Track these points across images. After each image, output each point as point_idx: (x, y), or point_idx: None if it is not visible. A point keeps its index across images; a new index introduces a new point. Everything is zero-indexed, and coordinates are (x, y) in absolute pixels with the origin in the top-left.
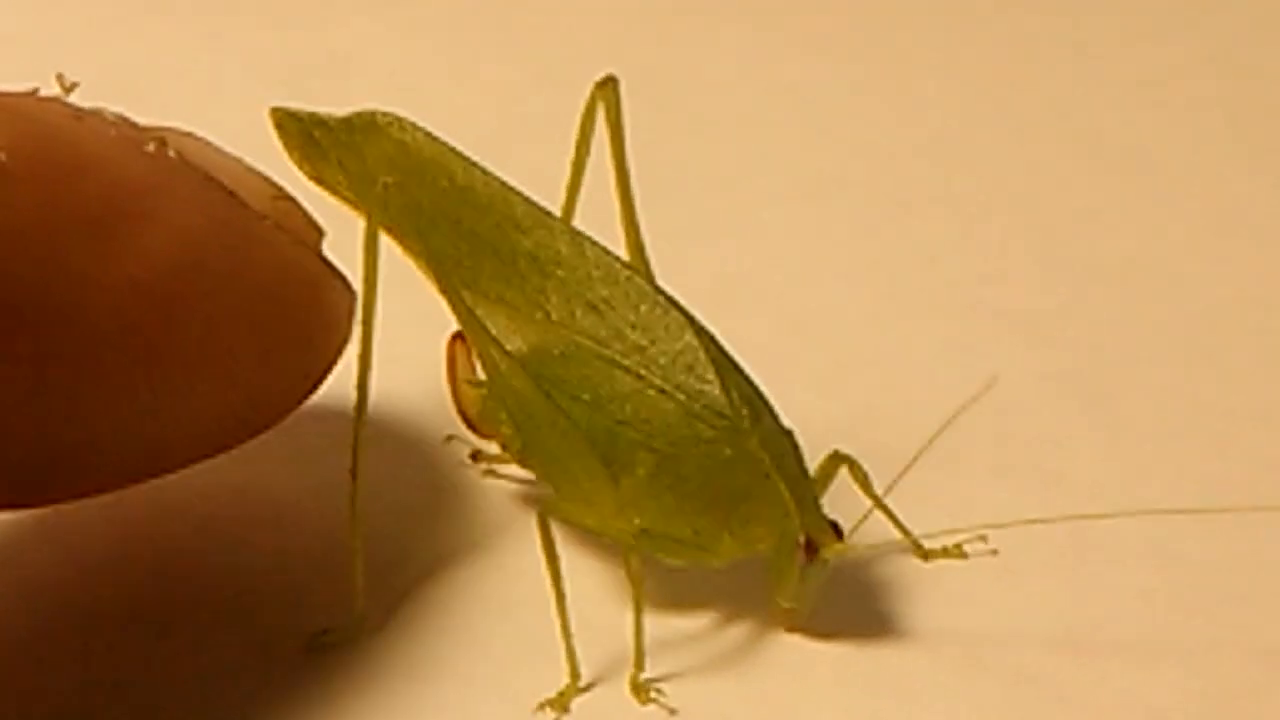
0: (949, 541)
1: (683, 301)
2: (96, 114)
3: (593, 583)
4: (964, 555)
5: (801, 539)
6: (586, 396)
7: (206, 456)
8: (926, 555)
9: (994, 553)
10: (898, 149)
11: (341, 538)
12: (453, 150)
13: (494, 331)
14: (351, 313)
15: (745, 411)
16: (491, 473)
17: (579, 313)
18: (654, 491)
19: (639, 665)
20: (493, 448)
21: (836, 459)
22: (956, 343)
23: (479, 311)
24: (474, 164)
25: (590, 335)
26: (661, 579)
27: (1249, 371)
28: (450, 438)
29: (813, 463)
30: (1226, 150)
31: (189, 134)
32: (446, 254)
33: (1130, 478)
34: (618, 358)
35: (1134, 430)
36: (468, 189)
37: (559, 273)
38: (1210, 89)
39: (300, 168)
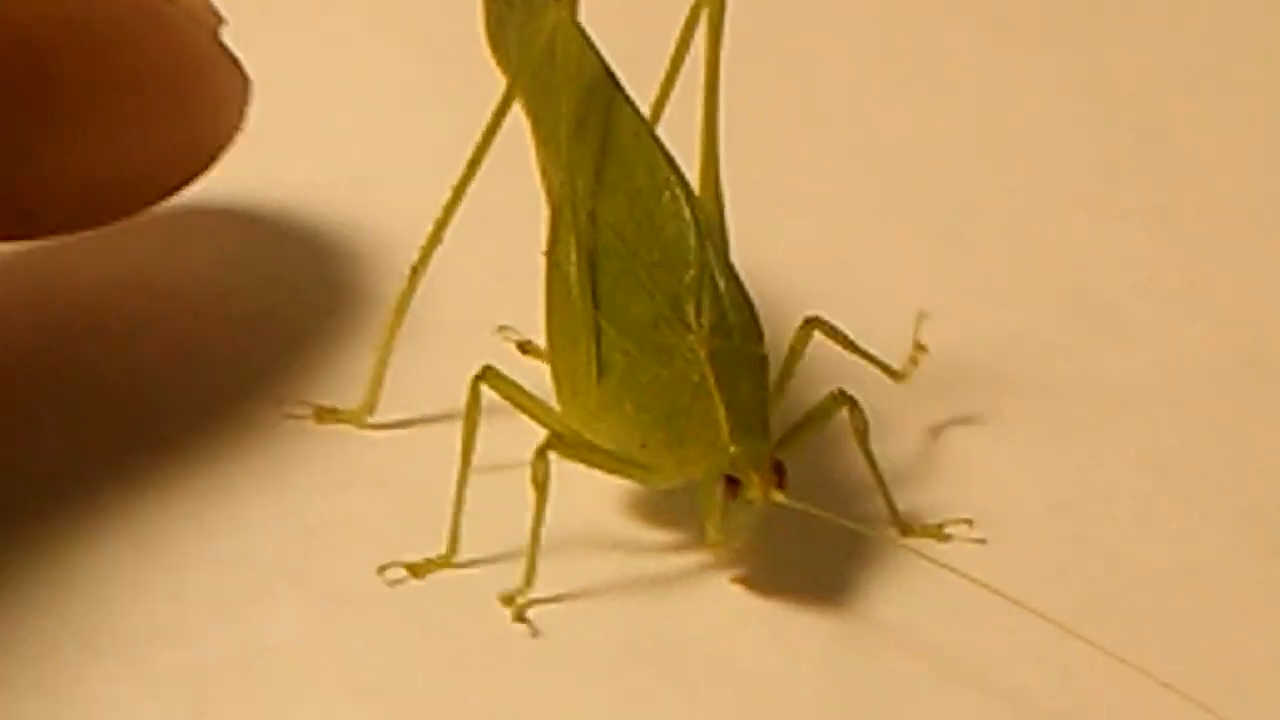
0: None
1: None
2: None
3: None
4: (946, 537)
5: (729, 471)
6: (603, 285)
7: (81, 227)
8: (904, 530)
9: (981, 541)
10: None
11: None
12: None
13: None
14: (244, 101)
15: (707, 321)
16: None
17: (619, 199)
18: (619, 397)
19: (528, 580)
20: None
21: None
22: None
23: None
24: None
25: (615, 223)
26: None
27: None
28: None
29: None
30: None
31: None
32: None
33: None
34: (628, 251)
35: None
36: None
37: (619, 157)
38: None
39: (489, 44)
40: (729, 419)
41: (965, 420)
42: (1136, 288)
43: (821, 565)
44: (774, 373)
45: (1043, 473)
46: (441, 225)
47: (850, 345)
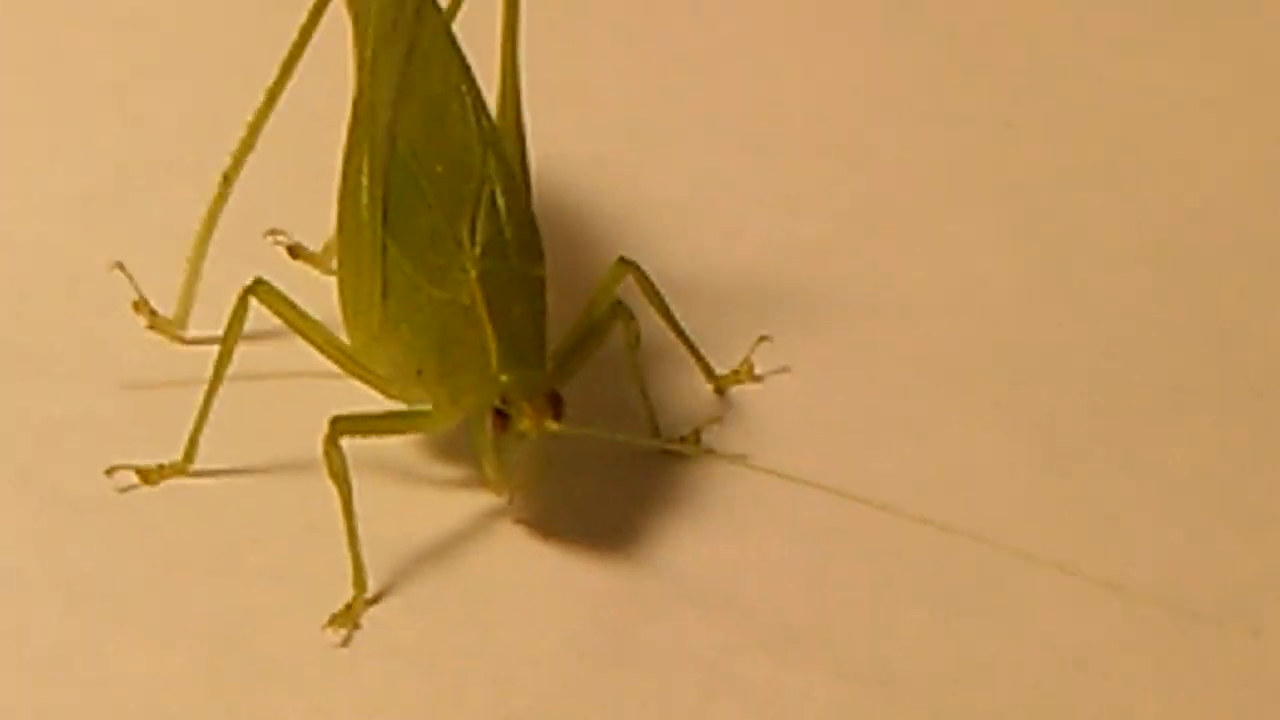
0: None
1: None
2: None
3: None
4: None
5: (496, 403)
6: (392, 199)
7: None
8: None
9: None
10: None
11: None
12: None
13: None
14: None
15: (480, 239)
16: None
17: (415, 106)
18: (397, 320)
19: (358, 584)
20: None
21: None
22: None
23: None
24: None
25: (409, 132)
26: None
27: None
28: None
29: None
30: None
31: None
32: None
33: None
34: (417, 162)
35: None
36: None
37: (418, 61)
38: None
39: None
40: (499, 346)
41: (744, 334)
42: (932, 197)
43: (603, 495)
44: (572, 305)
45: (819, 389)
46: (254, 130)
47: (665, 313)
